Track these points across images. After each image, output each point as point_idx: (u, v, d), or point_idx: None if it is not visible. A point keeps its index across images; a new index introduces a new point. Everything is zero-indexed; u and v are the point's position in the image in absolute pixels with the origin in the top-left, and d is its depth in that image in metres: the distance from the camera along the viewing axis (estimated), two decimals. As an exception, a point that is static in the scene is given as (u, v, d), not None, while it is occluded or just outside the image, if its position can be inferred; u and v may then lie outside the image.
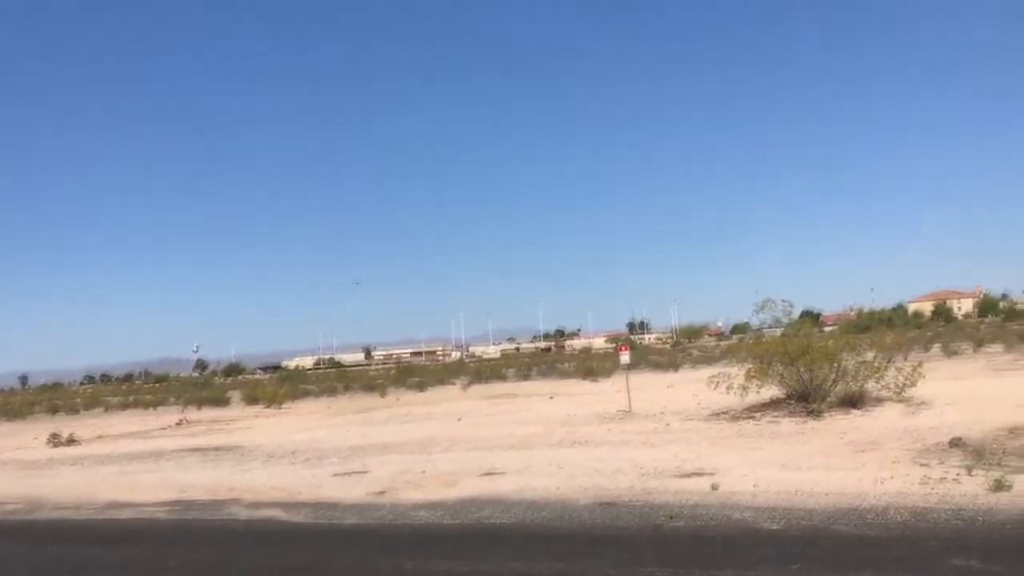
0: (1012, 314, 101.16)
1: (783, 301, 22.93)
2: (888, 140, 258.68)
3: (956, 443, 13.14)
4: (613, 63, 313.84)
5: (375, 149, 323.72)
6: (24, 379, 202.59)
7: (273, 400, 44.45)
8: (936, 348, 46.60)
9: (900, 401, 19.54)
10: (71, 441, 28.28)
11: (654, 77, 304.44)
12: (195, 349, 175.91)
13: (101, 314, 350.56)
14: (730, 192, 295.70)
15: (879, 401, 19.74)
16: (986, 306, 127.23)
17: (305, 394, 51.33)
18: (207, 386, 73.69)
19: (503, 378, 55.21)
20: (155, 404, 53.07)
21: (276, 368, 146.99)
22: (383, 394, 47.64)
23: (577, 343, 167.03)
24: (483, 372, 61.41)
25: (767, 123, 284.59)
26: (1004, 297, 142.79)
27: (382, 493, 13.35)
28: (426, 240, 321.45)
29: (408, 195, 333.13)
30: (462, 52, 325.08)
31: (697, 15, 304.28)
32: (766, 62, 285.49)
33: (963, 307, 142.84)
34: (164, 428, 33.89)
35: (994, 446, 12.66)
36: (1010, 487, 9.59)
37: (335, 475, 15.95)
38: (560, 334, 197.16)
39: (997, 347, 44.81)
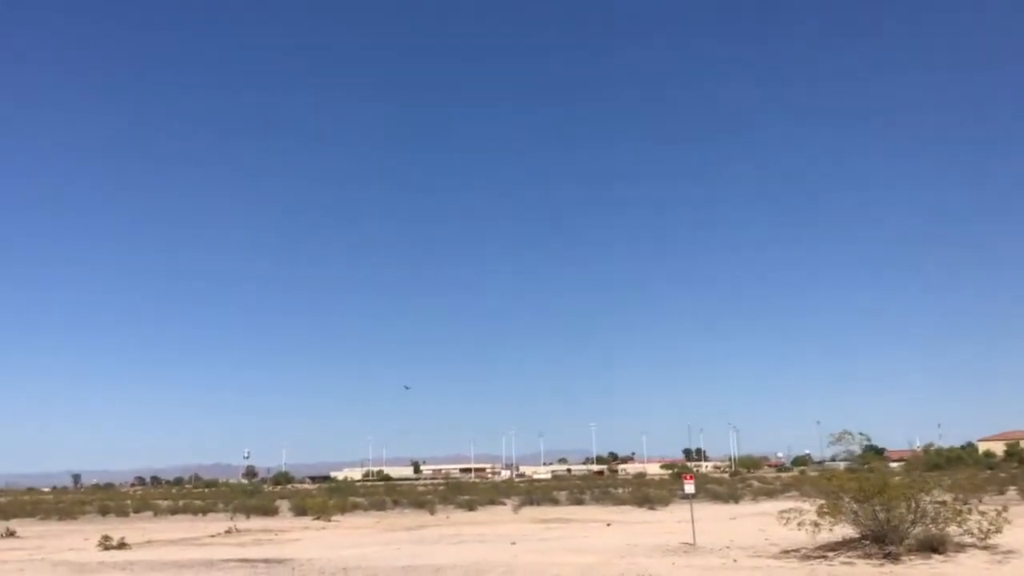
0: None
1: (860, 434, 22.00)
2: (962, 276, 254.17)
3: (1057, 600, 12.18)
4: (660, 179, 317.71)
5: (431, 263, 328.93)
6: (77, 478, 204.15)
7: (322, 512, 43.92)
8: (1012, 491, 44.34)
9: (984, 548, 18.41)
10: (121, 545, 28.03)
11: (701, 203, 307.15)
12: (246, 456, 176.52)
13: (154, 416, 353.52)
14: (790, 321, 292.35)
15: (961, 547, 18.62)
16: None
17: (354, 507, 50.65)
18: (256, 494, 73.14)
19: (555, 501, 53.85)
20: (204, 510, 52.77)
21: (325, 479, 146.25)
22: (432, 511, 46.82)
23: (631, 468, 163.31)
24: (534, 493, 60.10)
25: (836, 256, 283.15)
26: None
27: (439, 620, 12.75)
28: (479, 356, 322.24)
29: (465, 308, 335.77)
30: (504, 165, 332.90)
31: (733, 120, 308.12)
32: (826, 186, 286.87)
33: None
34: (213, 536, 33.49)
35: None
36: None
37: (388, 597, 15.37)
38: (613, 457, 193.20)
39: (1078, 494, 42.51)
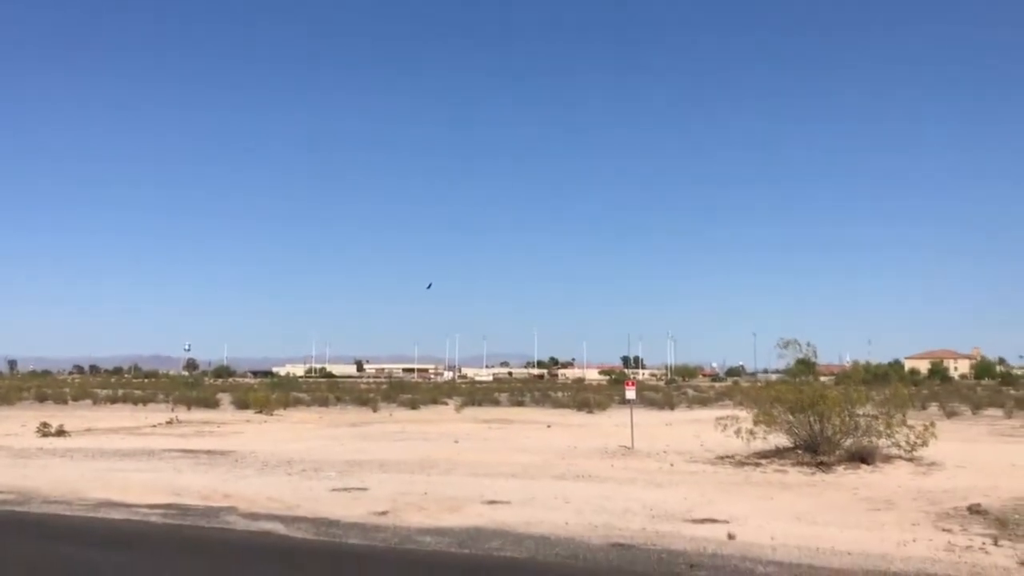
0: (1008, 379, 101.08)
1: (808, 344, 22.36)
2: (898, 197, 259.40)
3: (976, 510, 12.80)
4: (614, 99, 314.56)
5: (380, 167, 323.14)
6: (13, 363, 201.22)
7: (265, 406, 44.02)
8: (934, 407, 46.10)
9: (910, 460, 19.19)
10: (61, 432, 27.79)
11: (656, 121, 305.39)
12: (187, 348, 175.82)
13: (94, 305, 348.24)
14: (729, 237, 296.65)
15: (888, 458, 19.38)
16: (982, 369, 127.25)
17: (297, 402, 50.88)
18: (197, 386, 73.06)
19: (496, 402, 54.78)
20: (145, 400, 52.51)
21: (267, 374, 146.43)
22: (375, 409, 47.27)
23: (570, 373, 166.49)
24: (476, 394, 60.98)
25: (771, 173, 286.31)
26: (1001, 362, 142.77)
27: (384, 514, 12.96)
28: (425, 260, 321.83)
29: (411, 213, 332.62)
30: (465, 95, 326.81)
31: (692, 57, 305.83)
32: (774, 120, 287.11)
33: (959, 368, 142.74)
34: (154, 426, 33.43)
35: (1016, 516, 12.32)
36: (1042, 562, 9.26)
37: (333, 490, 15.57)
38: (554, 362, 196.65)
39: (996, 411, 44.41)
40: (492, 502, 14.05)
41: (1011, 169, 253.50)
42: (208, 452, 22.89)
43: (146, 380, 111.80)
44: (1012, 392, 64.93)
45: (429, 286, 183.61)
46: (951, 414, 41.66)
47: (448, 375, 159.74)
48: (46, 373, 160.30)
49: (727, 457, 20.70)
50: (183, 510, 13.51)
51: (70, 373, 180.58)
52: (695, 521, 12.25)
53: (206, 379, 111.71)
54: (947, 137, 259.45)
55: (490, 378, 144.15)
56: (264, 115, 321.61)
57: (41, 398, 54.70)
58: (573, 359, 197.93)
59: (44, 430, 27.92)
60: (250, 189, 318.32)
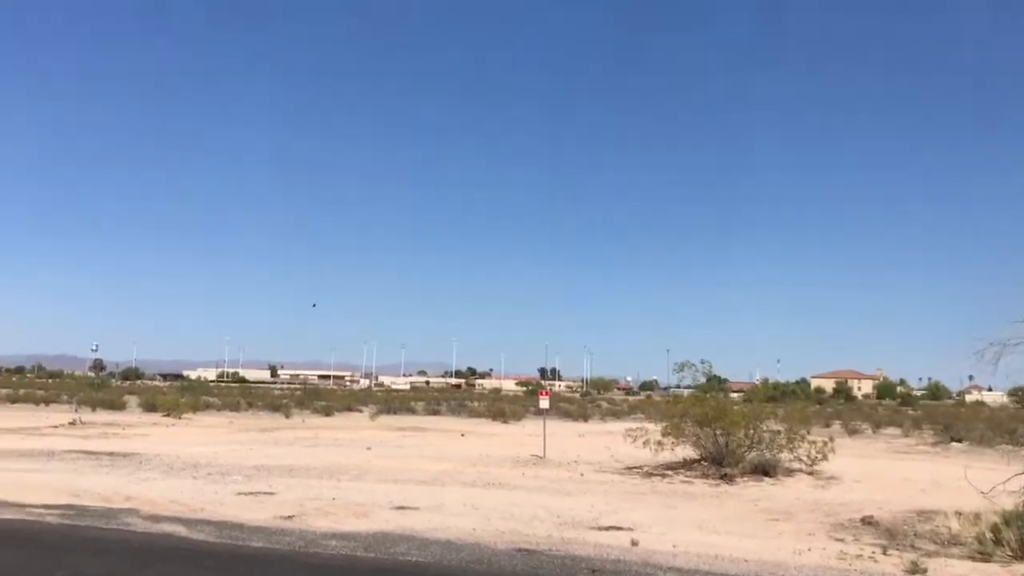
0: (907, 400, 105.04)
1: (703, 363, 23.06)
2: (807, 227, 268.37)
3: (868, 521, 13.32)
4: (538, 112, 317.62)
5: (291, 169, 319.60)
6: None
7: (173, 409, 43.00)
8: (836, 425, 47.61)
9: (810, 474, 19.84)
10: (-47, 431, 26.69)
11: (563, 134, 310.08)
12: (94, 348, 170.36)
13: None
14: (648, 254, 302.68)
15: (789, 472, 20.00)
16: (884, 390, 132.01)
17: (207, 407, 49.75)
18: (104, 388, 70.87)
19: (412, 411, 54.57)
20: (47, 401, 50.80)
21: (177, 377, 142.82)
22: (288, 415, 46.61)
23: (487, 383, 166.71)
24: (392, 402, 60.65)
25: (683, 190, 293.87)
26: (901, 383, 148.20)
27: (290, 518, 12.82)
28: (344, 265, 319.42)
29: (330, 219, 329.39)
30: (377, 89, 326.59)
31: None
32: (677, 126, 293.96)
33: (863, 388, 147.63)
34: (56, 427, 32.36)
35: (905, 527, 12.84)
36: (925, 571, 9.69)
37: (239, 494, 15.33)
38: (472, 372, 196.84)
39: (894, 430, 46.13)
40: (401, 508, 14.03)
41: (915, 194, 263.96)
42: (111, 454, 22.28)
43: (50, 380, 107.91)
44: (910, 412, 67.49)
45: (314, 305, 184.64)
46: (853, 431, 43.11)
47: (364, 383, 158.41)
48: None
49: (636, 468, 21.07)
50: (81, 511, 13.14)
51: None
52: (600, 528, 12.45)
53: (114, 381, 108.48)
54: (840, 156, 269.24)
55: (407, 387, 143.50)
56: (182, 113, 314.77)
57: (-66, 397, 52.38)
58: (491, 370, 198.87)
59: (-64, 428, 26.76)
60: (165, 189, 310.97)
